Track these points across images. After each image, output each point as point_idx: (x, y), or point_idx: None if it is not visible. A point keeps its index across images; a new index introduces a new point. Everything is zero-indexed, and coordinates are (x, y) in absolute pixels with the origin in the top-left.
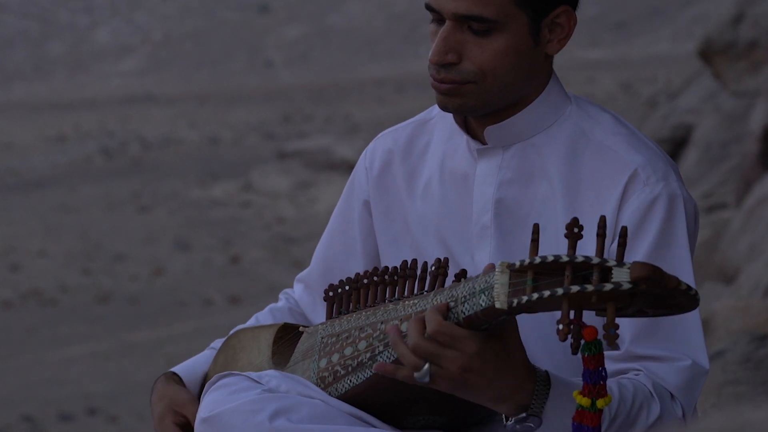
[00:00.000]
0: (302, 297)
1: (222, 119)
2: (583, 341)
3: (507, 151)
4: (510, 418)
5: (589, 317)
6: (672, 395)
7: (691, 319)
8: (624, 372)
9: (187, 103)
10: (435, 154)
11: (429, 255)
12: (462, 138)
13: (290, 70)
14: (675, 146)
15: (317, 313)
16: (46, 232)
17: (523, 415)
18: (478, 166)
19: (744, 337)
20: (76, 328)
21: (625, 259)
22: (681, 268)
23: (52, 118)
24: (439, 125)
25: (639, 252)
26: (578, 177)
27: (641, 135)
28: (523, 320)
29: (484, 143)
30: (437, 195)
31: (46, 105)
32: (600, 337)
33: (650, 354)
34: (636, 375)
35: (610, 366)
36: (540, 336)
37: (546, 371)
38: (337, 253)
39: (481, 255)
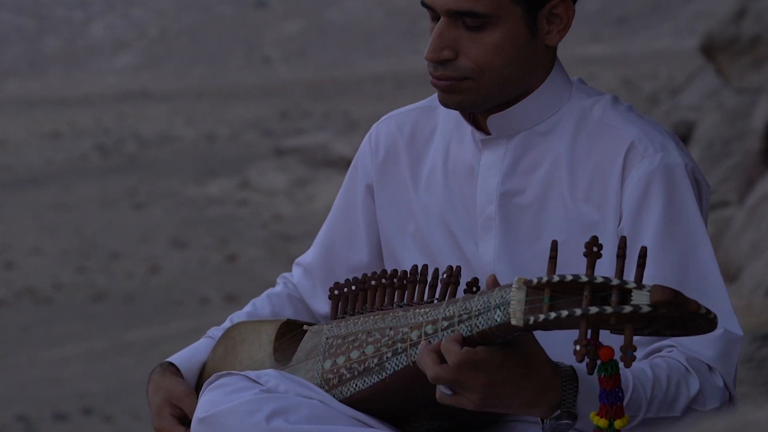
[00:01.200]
0: (301, 281)
1: (219, 116)
2: (599, 362)
3: (511, 141)
4: (545, 421)
5: (604, 334)
6: (709, 367)
7: (718, 288)
8: (657, 351)
9: (183, 100)
10: (440, 142)
11: (433, 244)
12: (468, 127)
13: (288, 65)
14: None
15: (316, 299)
16: (40, 229)
17: (557, 413)
18: (482, 157)
19: (746, 336)
20: (71, 326)
21: (635, 238)
22: (695, 239)
23: (46, 114)
24: (445, 113)
25: (647, 230)
26: (580, 158)
27: (639, 112)
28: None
29: (488, 133)
30: (441, 184)
31: (40, 101)
32: (617, 357)
33: None
34: (669, 352)
35: (641, 349)
36: (549, 348)
37: (571, 366)
38: (339, 239)
39: (486, 246)
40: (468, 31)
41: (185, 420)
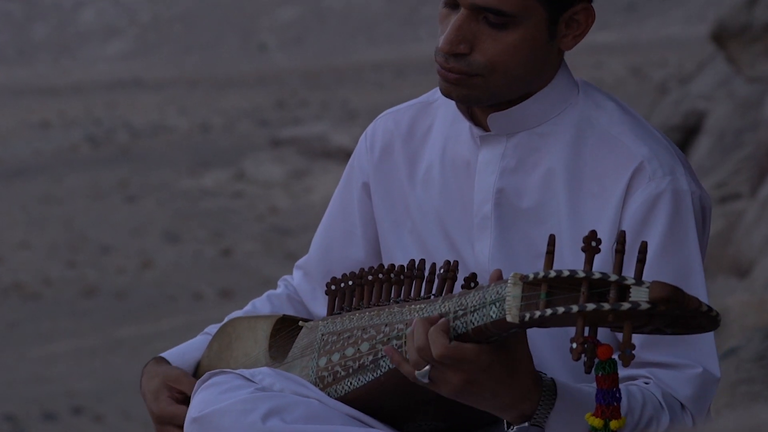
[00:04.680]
0: (301, 284)
1: (213, 105)
2: (597, 360)
3: (510, 140)
4: (512, 426)
5: (603, 332)
6: (682, 405)
7: None
8: (632, 378)
9: (176, 89)
10: (437, 138)
11: (429, 242)
12: (465, 123)
13: (284, 53)
14: (687, 134)
15: (316, 302)
16: (28, 222)
17: (525, 425)
18: (480, 154)
19: (758, 333)
20: (60, 323)
21: (630, 259)
22: (690, 269)
23: (35, 103)
24: (443, 108)
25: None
26: (582, 167)
27: (647, 124)
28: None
29: (487, 130)
30: (438, 182)
31: (29, 90)
32: (615, 356)
33: (660, 361)
34: (646, 383)
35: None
36: (552, 339)
37: (552, 380)
38: (336, 238)
39: (482, 245)
40: (488, 27)
41: (185, 402)
